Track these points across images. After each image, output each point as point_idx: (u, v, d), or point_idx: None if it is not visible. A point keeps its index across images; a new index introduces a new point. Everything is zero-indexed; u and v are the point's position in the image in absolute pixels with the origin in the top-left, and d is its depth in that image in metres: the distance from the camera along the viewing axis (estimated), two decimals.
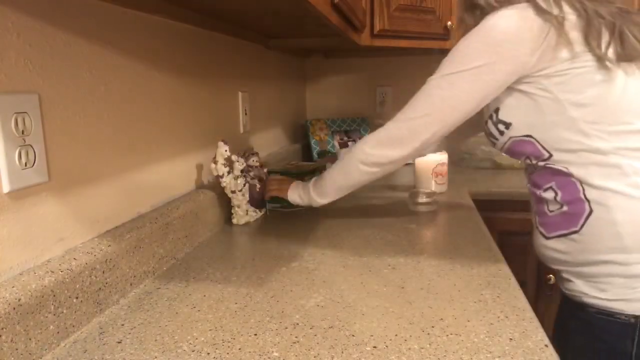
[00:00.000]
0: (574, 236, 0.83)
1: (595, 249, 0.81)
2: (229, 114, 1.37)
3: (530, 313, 0.72)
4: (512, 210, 1.50)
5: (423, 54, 2.16)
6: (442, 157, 1.54)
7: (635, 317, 0.79)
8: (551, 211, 0.86)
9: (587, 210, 0.81)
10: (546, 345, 0.63)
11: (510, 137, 0.87)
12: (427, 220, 1.23)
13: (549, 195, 0.86)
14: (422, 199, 1.33)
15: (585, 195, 0.81)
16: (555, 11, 0.79)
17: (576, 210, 0.82)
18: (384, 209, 1.36)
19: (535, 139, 0.84)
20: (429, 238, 1.09)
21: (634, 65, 0.80)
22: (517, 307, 0.74)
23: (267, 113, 1.72)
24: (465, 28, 0.91)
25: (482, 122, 0.95)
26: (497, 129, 0.89)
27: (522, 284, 0.85)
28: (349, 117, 2.20)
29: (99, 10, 0.79)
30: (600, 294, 0.82)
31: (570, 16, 0.80)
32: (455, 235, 1.10)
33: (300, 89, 2.25)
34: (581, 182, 0.81)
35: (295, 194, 1.19)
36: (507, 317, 0.71)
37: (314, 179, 1.16)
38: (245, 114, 1.47)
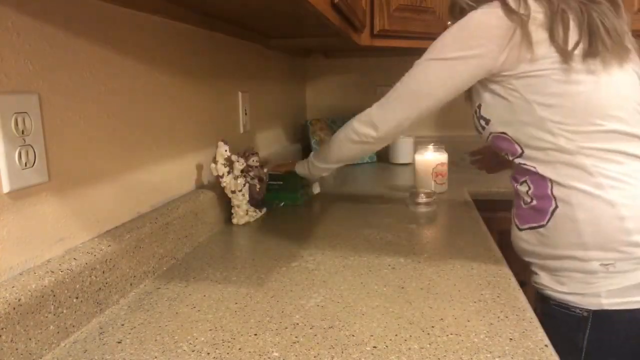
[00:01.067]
0: (540, 230, 0.88)
1: (558, 244, 0.85)
2: (229, 114, 1.37)
3: (530, 313, 0.72)
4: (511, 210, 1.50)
5: (423, 54, 2.17)
6: (442, 157, 1.53)
7: (588, 311, 0.83)
8: (525, 204, 0.92)
9: (553, 206, 0.85)
10: (546, 345, 0.63)
11: (490, 133, 0.92)
12: (427, 220, 1.23)
13: (523, 188, 0.91)
14: (422, 199, 1.33)
15: (552, 192, 0.85)
16: (522, 10, 0.81)
17: (544, 206, 0.87)
18: (384, 209, 1.36)
19: (509, 136, 0.89)
20: (429, 238, 1.09)
21: (600, 64, 0.80)
22: (517, 307, 0.74)
23: (267, 113, 1.72)
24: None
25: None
26: (480, 123, 0.95)
27: (522, 284, 0.85)
28: (349, 117, 2.19)
29: (99, 10, 0.79)
30: (560, 287, 0.87)
31: (538, 15, 0.81)
32: (455, 235, 1.10)
33: (300, 89, 2.25)
34: (550, 180, 0.85)
35: (300, 166, 1.32)
36: (507, 317, 0.71)
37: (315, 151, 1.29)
38: (245, 114, 1.47)
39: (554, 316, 0.87)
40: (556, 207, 0.85)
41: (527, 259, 0.95)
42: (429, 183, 1.51)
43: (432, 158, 1.52)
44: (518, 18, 0.81)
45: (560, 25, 0.80)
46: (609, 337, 0.83)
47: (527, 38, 0.81)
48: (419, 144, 1.63)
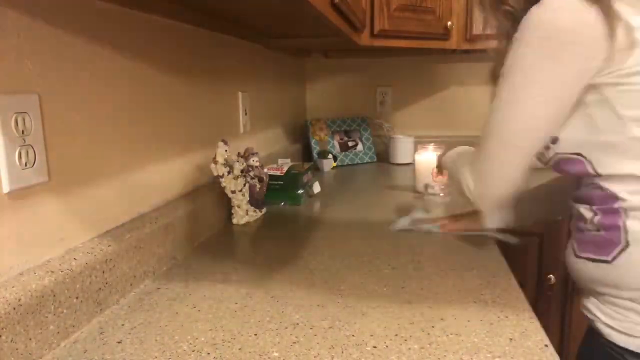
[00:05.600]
0: (603, 265, 0.72)
1: (623, 285, 0.71)
2: (229, 114, 1.37)
3: (530, 313, 0.72)
4: None
5: (423, 54, 2.17)
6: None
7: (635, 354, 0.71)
8: (587, 230, 0.75)
9: (623, 243, 0.70)
10: (546, 345, 0.63)
11: (557, 154, 0.75)
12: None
13: (588, 214, 0.75)
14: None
15: (625, 226, 0.70)
16: None
17: (611, 238, 0.71)
18: (384, 209, 1.36)
19: (585, 159, 0.72)
20: (429, 238, 1.09)
21: None
22: (517, 307, 0.74)
23: (267, 113, 1.72)
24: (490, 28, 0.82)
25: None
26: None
27: (522, 284, 0.85)
28: (349, 117, 2.21)
29: (99, 10, 0.79)
30: (611, 322, 0.73)
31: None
32: (455, 236, 1.09)
33: (300, 89, 2.25)
34: (626, 211, 0.70)
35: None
36: (507, 317, 0.71)
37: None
38: (245, 114, 1.47)
39: (603, 354, 0.74)
40: (627, 244, 0.69)
41: (580, 285, 0.80)
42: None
43: (432, 158, 1.50)
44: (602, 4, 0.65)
45: None
46: None
47: (619, 24, 0.65)
48: (419, 143, 1.63)
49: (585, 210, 0.75)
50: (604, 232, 0.72)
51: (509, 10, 0.77)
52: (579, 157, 0.73)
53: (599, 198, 0.73)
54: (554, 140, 0.74)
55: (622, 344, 0.71)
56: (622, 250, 0.70)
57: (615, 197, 0.70)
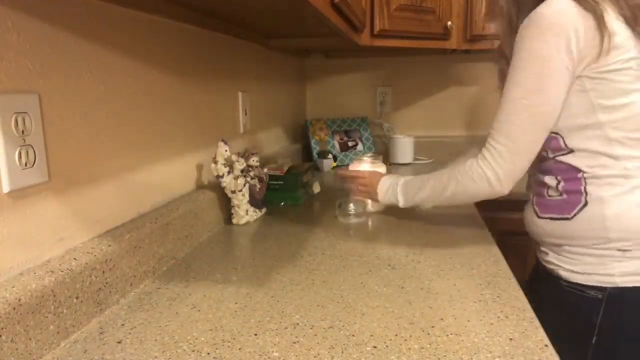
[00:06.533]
0: (564, 222, 0.90)
1: (581, 236, 0.88)
2: (229, 114, 1.37)
3: (530, 313, 0.72)
4: (512, 210, 1.49)
5: (423, 54, 2.17)
6: (381, 169, 1.32)
7: (603, 291, 0.87)
8: (550, 196, 0.93)
9: (583, 202, 0.87)
10: (546, 345, 0.63)
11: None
12: (427, 221, 1.23)
13: (552, 182, 0.92)
14: (352, 210, 1.24)
15: (585, 189, 0.87)
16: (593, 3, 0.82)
17: (573, 200, 0.89)
18: (383, 208, 1.35)
19: (561, 136, 0.89)
20: (429, 238, 1.09)
21: None
22: (517, 307, 0.74)
23: (267, 113, 1.72)
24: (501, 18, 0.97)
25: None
26: None
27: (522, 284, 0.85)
28: (349, 117, 2.21)
29: (99, 10, 0.79)
30: (574, 267, 0.90)
31: (609, 9, 0.83)
32: (455, 235, 1.10)
33: (300, 89, 2.25)
34: (586, 179, 0.87)
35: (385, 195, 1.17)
36: (507, 317, 0.71)
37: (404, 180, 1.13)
38: (245, 114, 1.47)
39: (565, 297, 0.91)
40: (586, 203, 0.87)
41: (539, 240, 0.97)
42: (369, 200, 1.28)
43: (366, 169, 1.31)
44: (592, 8, 0.81)
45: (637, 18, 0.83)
46: (620, 316, 0.86)
47: (603, 28, 0.81)
48: (356, 155, 1.47)
49: (550, 180, 0.93)
50: (567, 196, 0.90)
51: (507, 15, 0.95)
52: (556, 135, 0.90)
53: (563, 170, 0.91)
54: None
55: (582, 282, 0.88)
56: (582, 208, 0.87)
57: (577, 169, 0.88)
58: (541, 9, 0.83)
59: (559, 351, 0.63)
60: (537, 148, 0.89)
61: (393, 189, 1.14)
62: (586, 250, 0.88)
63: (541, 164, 0.94)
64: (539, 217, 0.94)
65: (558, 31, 0.82)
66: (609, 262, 0.86)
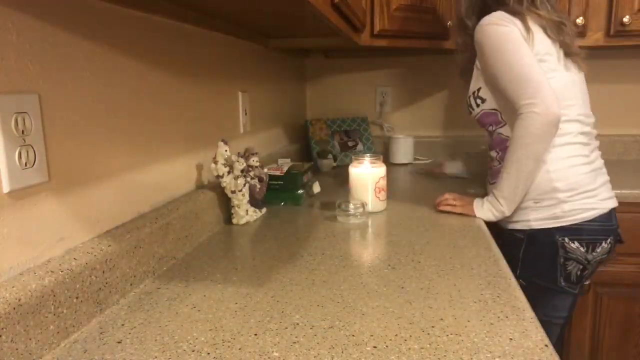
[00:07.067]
0: None
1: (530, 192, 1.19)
2: (229, 114, 1.37)
3: (530, 313, 0.72)
4: None
5: (423, 54, 2.17)
6: (382, 169, 1.32)
7: (524, 232, 1.21)
8: (494, 166, 1.29)
9: None
10: (546, 345, 0.63)
11: (482, 110, 1.26)
12: (427, 221, 1.23)
13: (494, 154, 1.28)
14: (352, 210, 1.23)
15: None
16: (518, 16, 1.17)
17: None
18: (383, 208, 1.35)
19: (499, 112, 1.23)
20: (429, 238, 1.09)
21: (570, 61, 1.21)
22: (517, 307, 0.74)
23: (267, 113, 1.72)
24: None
25: (466, 96, 1.31)
26: (475, 102, 1.27)
27: (522, 286, 0.85)
28: (349, 117, 2.21)
29: (99, 10, 0.79)
30: (507, 217, 1.22)
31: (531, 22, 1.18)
32: (455, 235, 1.10)
33: (300, 89, 2.25)
34: None
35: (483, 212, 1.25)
36: (507, 317, 0.71)
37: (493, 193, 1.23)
38: (245, 114, 1.47)
39: (504, 238, 1.25)
40: None
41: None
42: (366, 199, 1.29)
43: (372, 172, 1.30)
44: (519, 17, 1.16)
45: (553, 27, 1.20)
46: (535, 249, 1.20)
47: (529, 33, 1.15)
48: (355, 155, 1.48)
49: (493, 153, 1.29)
50: (502, 164, 1.18)
51: (469, 32, 1.26)
52: (495, 111, 1.24)
53: (500, 142, 1.24)
54: (483, 101, 1.25)
55: (510, 227, 1.25)
56: None
57: (508, 138, 1.20)
58: (485, 22, 1.17)
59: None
60: (546, 80, 1.09)
61: (489, 200, 1.22)
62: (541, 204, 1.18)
63: (489, 142, 1.30)
64: (490, 184, 1.30)
65: (508, 22, 1.14)
66: (527, 212, 1.19)
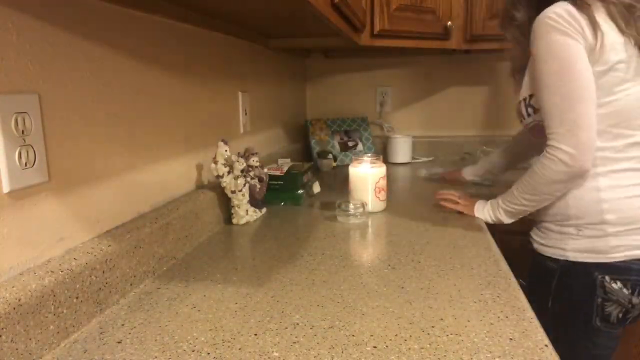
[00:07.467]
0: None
1: (548, 213, 1.06)
2: (229, 114, 1.37)
3: (530, 313, 0.72)
4: None
5: (423, 54, 2.17)
6: (382, 169, 1.32)
7: (557, 262, 1.05)
8: None
9: None
10: (546, 345, 0.63)
11: (535, 121, 1.05)
12: (427, 221, 1.23)
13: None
14: (352, 210, 1.23)
15: None
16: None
17: None
18: (383, 208, 1.35)
19: None
20: (429, 238, 1.09)
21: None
22: (517, 307, 0.74)
23: (267, 113, 1.72)
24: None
25: (515, 100, 1.11)
26: (526, 111, 1.07)
27: (523, 286, 0.85)
28: (349, 117, 2.21)
29: (99, 10, 0.79)
30: (541, 240, 1.09)
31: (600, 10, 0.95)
32: (455, 235, 1.10)
33: (300, 89, 2.25)
34: None
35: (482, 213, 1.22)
36: (507, 317, 0.71)
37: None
38: (245, 114, 1.47)
39: (534, 261, 1.12)
40: None
41: (532, 219, 1.14)
42: (366, 199, 1.29)
43: (372, 172, 1.29)
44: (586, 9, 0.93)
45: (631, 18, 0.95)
46: (569, 282, 1.03)
47: (596, 26, 0.93)
48: (355, 155, 1.49)
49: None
50: None
51: (517, 24, 1.09)
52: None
53: None
54: (535, 111, 1.04)
55: (543, 253, 1.09)
56: None
57: None
58: (542, 15, 0.96)
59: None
60: (591, 118, 0.94)
61: (492, 204, 1.19)
62: (550, 226, 1.06)
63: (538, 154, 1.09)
64: None
65: (562, 27, 0.94)
66: (565, 239, 1.03)
